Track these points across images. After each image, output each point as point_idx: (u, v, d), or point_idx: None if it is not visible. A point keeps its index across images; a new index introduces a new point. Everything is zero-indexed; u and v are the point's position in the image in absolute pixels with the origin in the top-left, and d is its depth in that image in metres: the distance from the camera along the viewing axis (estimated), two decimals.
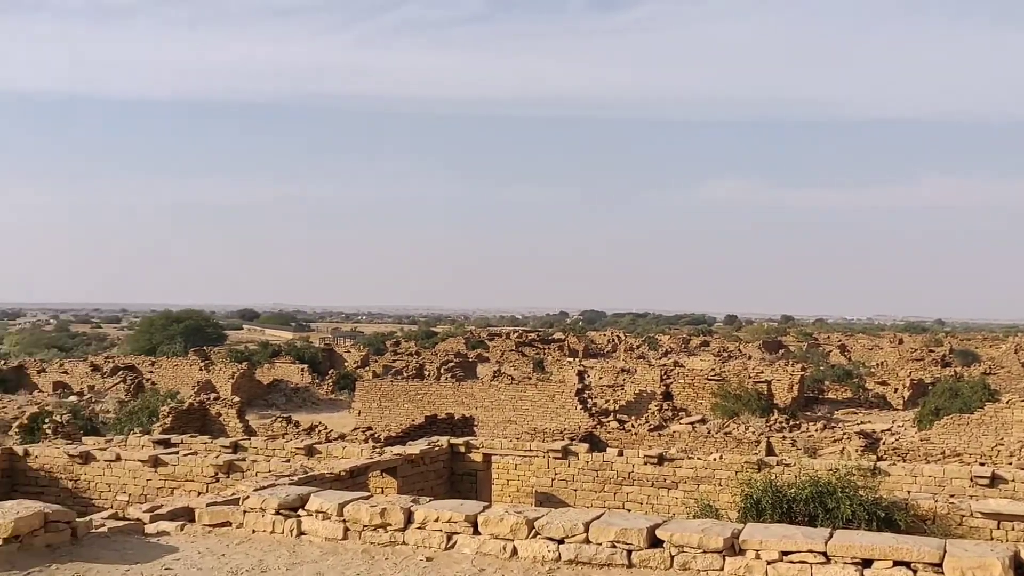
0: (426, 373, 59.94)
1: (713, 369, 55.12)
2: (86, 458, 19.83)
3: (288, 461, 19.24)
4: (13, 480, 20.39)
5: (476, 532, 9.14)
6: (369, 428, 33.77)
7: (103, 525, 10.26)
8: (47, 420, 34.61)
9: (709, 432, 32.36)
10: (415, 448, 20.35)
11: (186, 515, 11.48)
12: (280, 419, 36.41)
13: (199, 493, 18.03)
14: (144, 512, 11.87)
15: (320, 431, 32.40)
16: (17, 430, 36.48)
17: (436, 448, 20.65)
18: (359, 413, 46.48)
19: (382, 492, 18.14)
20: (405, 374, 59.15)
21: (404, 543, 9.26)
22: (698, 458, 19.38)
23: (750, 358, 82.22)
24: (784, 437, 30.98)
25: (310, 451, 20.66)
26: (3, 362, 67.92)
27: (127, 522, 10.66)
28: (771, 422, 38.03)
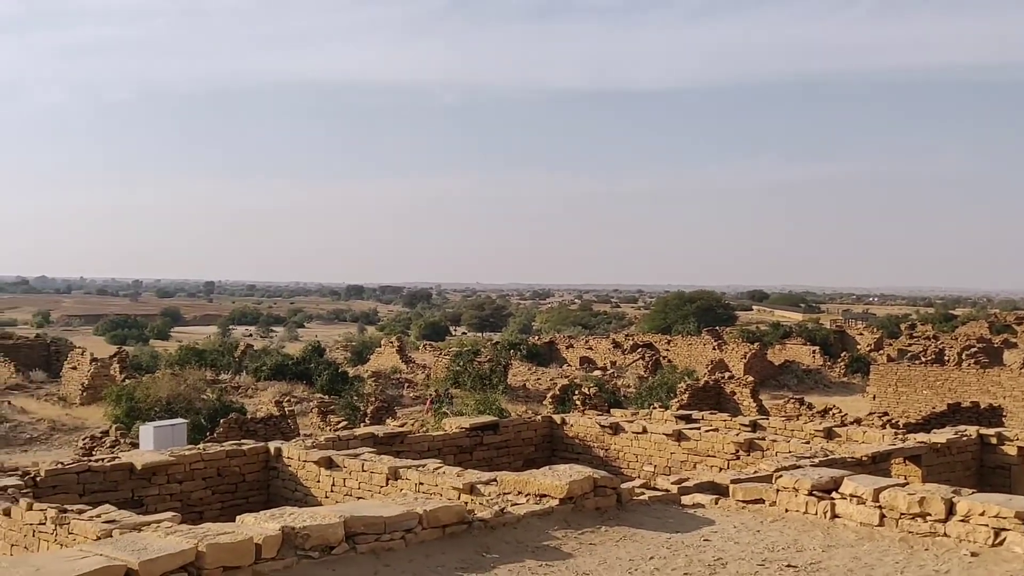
0: (946, 358, 56.36)
1: None
2: (615, 429, 21.13)
3: (808, 443, 19.13)
4: (553, 445, 22.33)
5: None
6: (885, 413, 32.49)
7: (643, 493, 10.97)
8: (576, 392, 37.37)
9: None
10: (940, 437, 19.30)
11: (710, 489, 11.90)
12: (792, 400, 36.24)
13: (720, 469, 18.51)
14: (672, 484, 12.48)
15: (834, 414, 31.76)
16: (550, 400, 39.85)
17: (964, 438, 19.43)
18: (874, 397, 44.96)
19: (905, 480, 17.47)
20: (923, 359, 56.08)
21: (945, 535, 8.89)
22: None
23: None
24: None
25: (829, 434, 20.36)
26: (536, 338, 74.52)
27: (663, 493, 11.28)
28: None
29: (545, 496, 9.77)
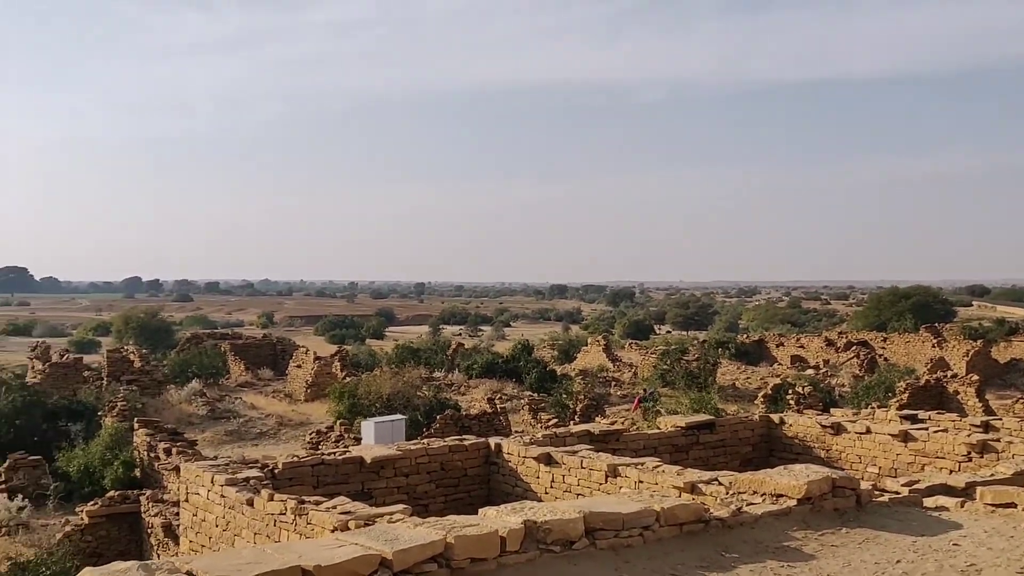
0: None
1: None
2: (837, 429, 20.40)
3: None
4: (770, 445, 21.77)
5: None
6: None
7: (882, 495, 10.51)
8: (789, 391, 36.38)
9: None
10: None
11: (944, 491, 11.28)
12: (1022, 400, 34.16)
13: (950, 471, 17.59)
14: (902, 486, 11.92)
15: None
16: (762, 399, 38.95)
17: None
18: None
19: None
20: None
21: None
22: None
23: None
24: None
25: None
26: (744, 336, 73.07)
27: (903, 495, 10.77)
28: None
29: (781, 496, 9.50)
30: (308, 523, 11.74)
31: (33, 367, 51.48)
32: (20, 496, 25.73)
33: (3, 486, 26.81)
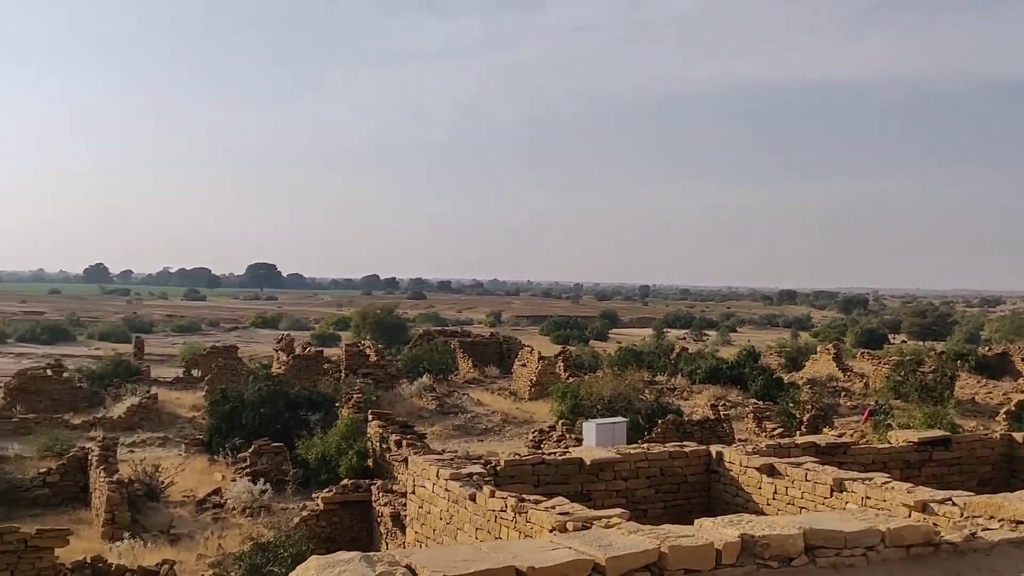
0: None
1: None
2: None
3: None
4: (1012, 466, 20.43)
5: None
6: None
7: None
8: None
9: None
10: None
11: None
12: None
13: None
14: None
15: None
16: (1004, 416, 36.61)
17: None
18: None
19: None
20: None
21: None
22: None
23: None
24: None
25: None
26: (987, 348, 68.77)
27: None
28: None
29: (1022, 523, 8.91)
30: (527, 521, 11.94)
31: (278, 358, 54.73)
32: (263, 480, 27.45)
33: (248, 470, 28.65)
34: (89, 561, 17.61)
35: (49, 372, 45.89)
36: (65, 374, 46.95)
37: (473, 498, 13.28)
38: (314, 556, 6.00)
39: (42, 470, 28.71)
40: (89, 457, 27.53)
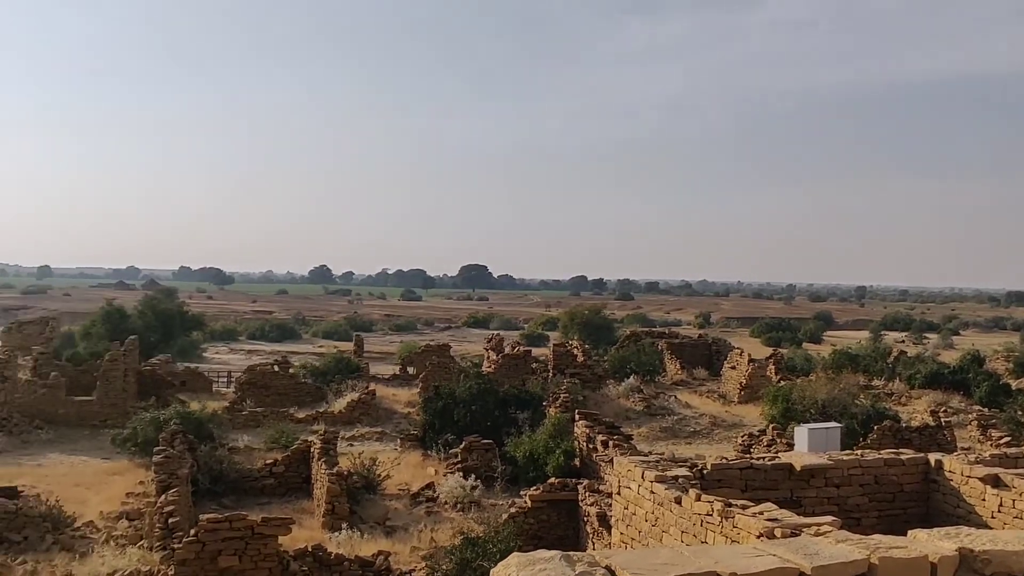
0: None
1: None
2: None
3: None
4: None
5: None
6: None
7: None
8: None
9: None
10: None
11: None
12: None
13: None
14: None
15: None
16: None
17: None
18: None
19: None
20: None
21: None
22: None
23: None
24: None
25: None
26: None
27: None
28: None
29: None
30: (734, 527, 11.77)
31: (488, 357, 55.90)
32: (473, 476, 28.13)
33: (459, 466, 29.42)
34: (310, 550, 18.53)
35: (276, 368, 48.51)
36: (291, 370, 49.54)
37: (679, 501, 13.19)
38: (515, 553, 6.12)
39: (269, 461, 30.43)
40: (311, 450, 28.95)
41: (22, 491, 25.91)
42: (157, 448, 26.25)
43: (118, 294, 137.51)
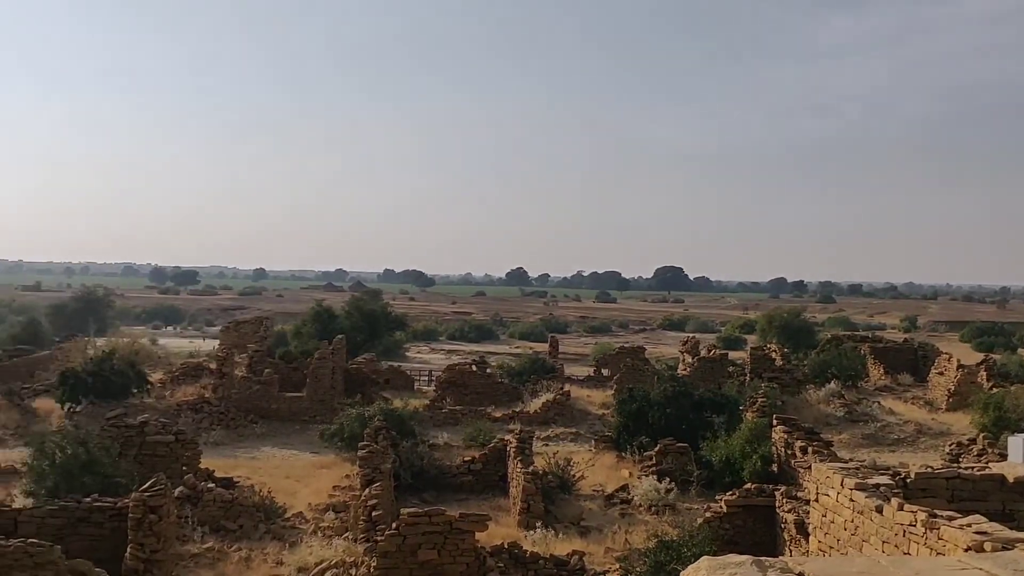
0: None
1: None
2: None
3: None
4: None
5: None
6: None
7: None
8: None
9: None
10: None
11: None
12: None
13: None
14: None
15: None
16: None
17: None
18: None
19: None
20: None
21: None
22: None
23: None
24: None
25: None
26: None
27: None
28: None
29: None
30: (939, 539, 11.40)
31: (683, 360, 55.47)
32: (667, 479, 28.04)
33: (653, 468, 29.39)
34: (506, 547, 18.94)
35: (474, 368, 49.64)
36: (488, 370, 50.60)
37: (880, 510, 12.86)
38: (706, 557, 6.18)
39: (467, 458, 31.23)
40: (507, 448, 29.53)
41: (237, 482, 27.53)
42: (362, 443, 27.32)
43: (327, 295, 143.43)
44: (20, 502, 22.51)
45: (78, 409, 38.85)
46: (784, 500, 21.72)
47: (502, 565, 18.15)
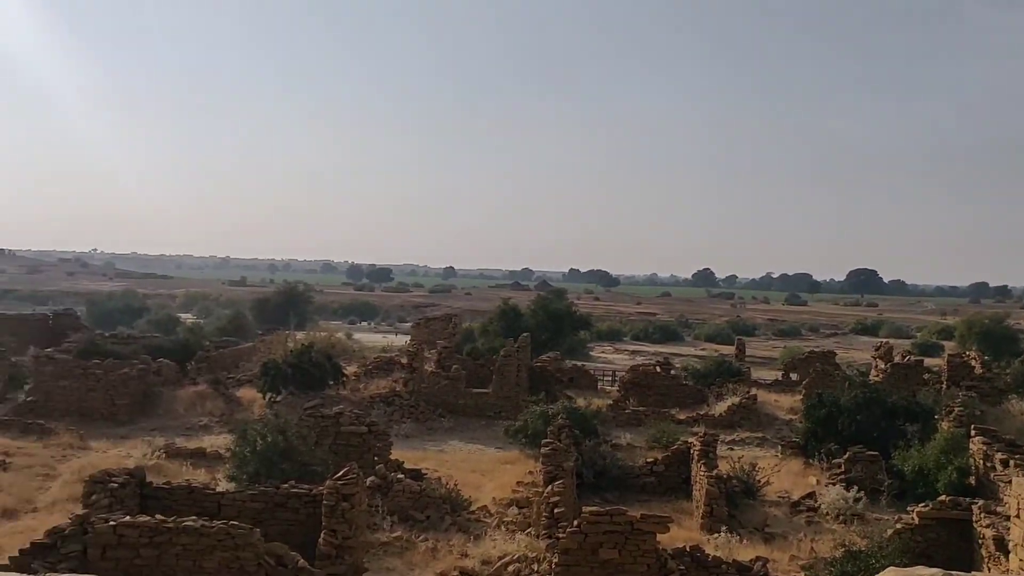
0: None
1: None
2: None
3: None
4: None
5: None
6: None
7: None
8: None
9: None
10: None
11: None
12: None
13: None
14: None
15: None
16: None
17: None
18: None
19: None
20: None
21: None
22: None
23: None
24: None
25: None
26: None
27: None
28: None
29: None
30: None
31: (876, 366, 53.59)
32: (856, 488, 27.26)
33: (842, 476, 28.63)
34: (688, 550, 18.88)
35: (658, 369, 49.45)
36: (672, 371, 50.31)
37: None
38: (891, 568, 6.11)
39: (649, 460, 31.19)
40: (691, 451, 29.34)
41: (425, 474, 28.40)
42: (545, 440, 27.70)
43: (513, 294, 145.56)
44: (223, 486, 23.71)
45: (278, 399, 40.87)
46: (982, 515, 20.79)
47: (683, 568, 18.10)
